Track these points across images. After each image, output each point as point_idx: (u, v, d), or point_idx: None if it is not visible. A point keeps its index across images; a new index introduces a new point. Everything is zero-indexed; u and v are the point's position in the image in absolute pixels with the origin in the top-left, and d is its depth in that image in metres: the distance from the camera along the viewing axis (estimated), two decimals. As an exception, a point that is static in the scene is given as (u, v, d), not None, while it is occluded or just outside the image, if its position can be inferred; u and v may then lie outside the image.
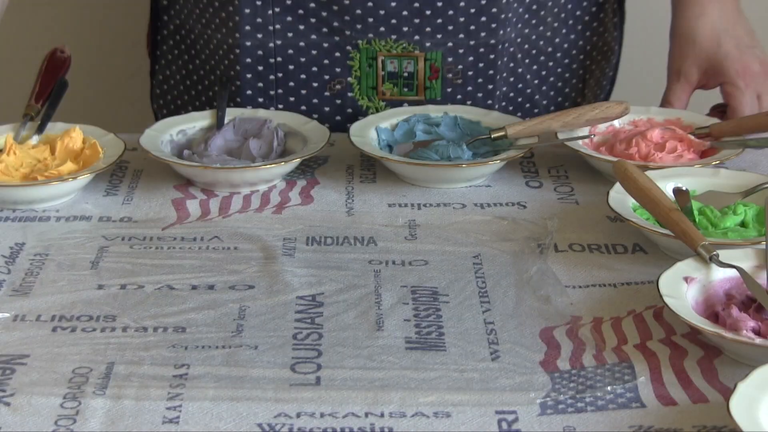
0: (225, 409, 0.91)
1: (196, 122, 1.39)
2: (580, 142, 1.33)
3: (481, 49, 1.44)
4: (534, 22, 1.48)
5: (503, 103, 1.50)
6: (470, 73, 1.45)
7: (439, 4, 1.41)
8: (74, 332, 1.02)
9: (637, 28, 2.14)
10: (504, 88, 1.49)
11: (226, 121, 1.38)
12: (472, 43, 1.44)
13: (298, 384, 0.94)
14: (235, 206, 1.26)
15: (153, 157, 1.29)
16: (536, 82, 1.52)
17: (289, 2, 1.41)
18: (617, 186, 1.19)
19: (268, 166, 1.27)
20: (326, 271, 1.12)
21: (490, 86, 1.46)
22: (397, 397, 0.92)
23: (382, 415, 0.90)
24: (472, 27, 1.43)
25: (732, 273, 1.04)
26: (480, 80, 1.46)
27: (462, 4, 1.41)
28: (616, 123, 1.39)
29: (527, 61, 1.50)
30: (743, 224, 1.16)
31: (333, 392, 0.93)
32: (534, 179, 1.33)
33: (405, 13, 1.41)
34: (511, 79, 1.49)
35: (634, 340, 1.00)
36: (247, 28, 1.42)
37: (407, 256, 1.15)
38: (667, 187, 1.19)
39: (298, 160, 1.30)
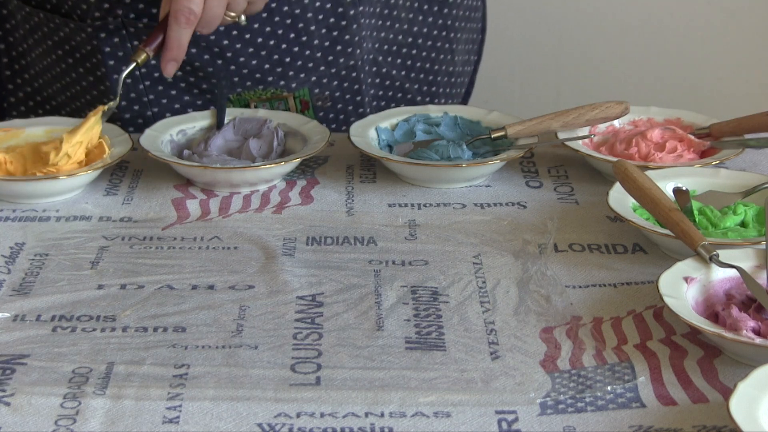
0: (225, 409, 0.91)
1: (196, 122, 1.39)
2: (580, 142, 1.32)
3: (343, 72, 1.48)
4: (389, 24, 1.51)
5: (374, 103, 1.54)
6: (337, 94, 1.49)
7: (296, 49, 1.44)
8: (74, 332, 1.02)
9: (638, 32, 2.15)
10: (372, 91, 1.52)
11: (226, 120, 1.38)
12: (333, 71, 1.48)
13: (298, 384, 0.94)
14: (235, 206, 1.26)
15: (153, 157, 1.29)
16: (403, 73, 1.55)
17: (156, 75, 1.44)
18: (617, 186, 1.19)
19: (268, 166, 1.27)
20: (326, 271, 1.12)
21: (359, 98, 1.51)
22: (397, 397, 0.92)
23: (382, 415, 0.90)
24: (330, 58, 1.47)
25: (732, 273, 1.04)
26: (348, 96, 1.50)
27: (316, 42, 1.45)
28: (616, 123, 1.39)
29: (390, 59, 1.53)
30: (743, 224, 1.16)
31: (333, 392, 0.93)
32: (534, 179, 1.33)
33: (267, 66, 1.44)
34: (377, 80, 1.53)
35: (634, 340, 1.00)
36: (123, 103, 1.45)
37: (407, 256, 1.15)
38: (667, 187, 1.19)
39: (298, 160, 1.30)
